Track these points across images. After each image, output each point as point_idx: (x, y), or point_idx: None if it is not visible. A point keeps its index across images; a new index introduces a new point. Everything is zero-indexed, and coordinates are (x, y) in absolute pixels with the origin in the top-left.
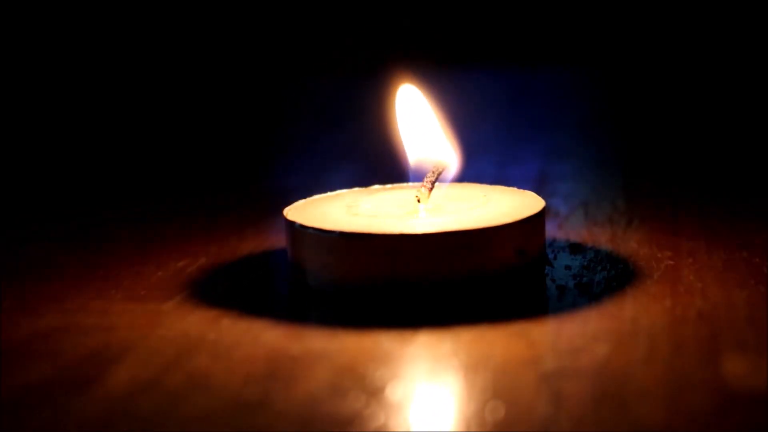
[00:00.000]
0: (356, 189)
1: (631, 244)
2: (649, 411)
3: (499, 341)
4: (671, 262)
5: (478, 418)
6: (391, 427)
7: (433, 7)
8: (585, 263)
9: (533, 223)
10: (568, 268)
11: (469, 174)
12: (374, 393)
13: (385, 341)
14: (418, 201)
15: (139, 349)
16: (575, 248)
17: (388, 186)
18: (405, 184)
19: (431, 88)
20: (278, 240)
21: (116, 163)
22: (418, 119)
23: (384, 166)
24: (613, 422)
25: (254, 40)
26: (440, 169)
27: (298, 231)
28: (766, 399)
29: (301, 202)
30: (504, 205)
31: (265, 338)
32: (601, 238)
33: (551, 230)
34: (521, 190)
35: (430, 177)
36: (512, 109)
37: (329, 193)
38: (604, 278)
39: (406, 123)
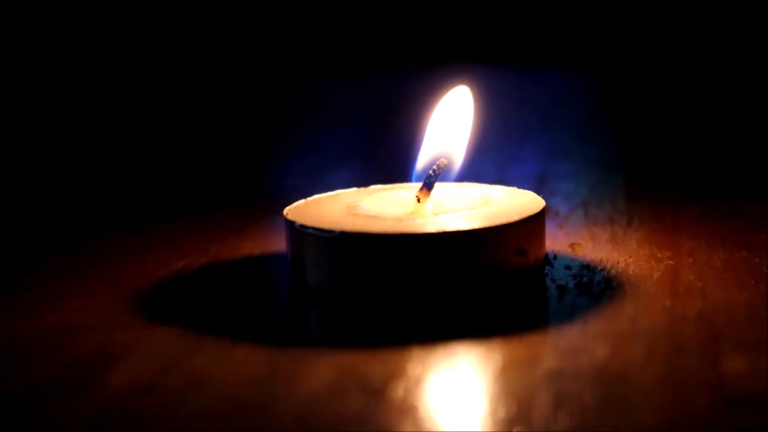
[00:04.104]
0: (356, 189)
1: (631, 244)
2: (649, 411)
3: (499, 341)
4: (671, 262)
5: (478, 418)
6: (391, 427)
7: (432, 8)
8: (585, 263)
9: (533, 223)
10: (568, 268)
11: (469, 174)
12: (374, 393)
13: (385, 341)
14: (418, 201)
15: (139, 349)
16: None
17: (388, 186)
18: (405, 184)
19: (431, 88)
20: (278, 240)
21: (116, 163)
22: (454, 122)
23: (384, 166)
24: (613, 422)
25: (255, 40)
26: (440, 169)
27: (298, 231)
28: (766, 399)
29: (301, 202)
30: (504, 205)
31: (264, 338)
32: (601, 238)
33: (551, 230)
34: (521, 190)
35: (430, 177)
36: (512, 109)
37: (329, 193)
38: (604, 278)
39: (441, 123)
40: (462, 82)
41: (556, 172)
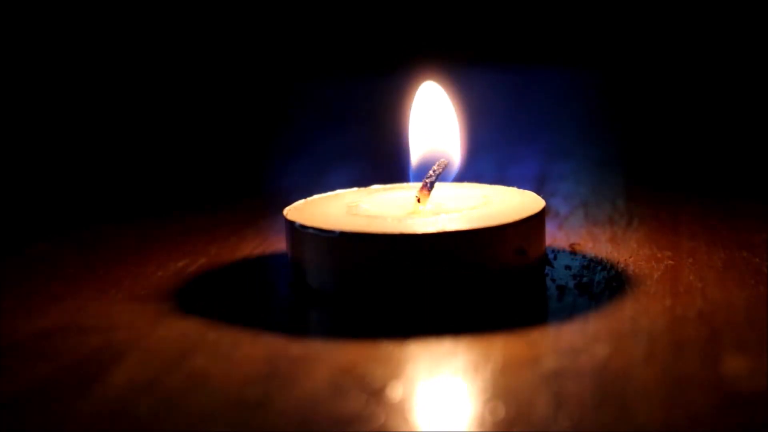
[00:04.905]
0: (356, 189)
1: (631, 244)
2: (649, 411)
3: (499, 341)
4: (671, 262)
5: (478, 418)
6: (391, 427)
7: (432, 8)
8: (585, 263)
9: (533, 223)
10: (568, 268)
11: (469, 174)
12: (374, 393)
13: (384, 341)
14: (418, 201)
15: (139, 349)
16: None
17: (388, 186)
18: (405, 184)
19: (428, 88)
20: (278, 240)
21: (116, 163)
22: (435, 117)
23: (384, 166)
24: (613, 422)
25: (256, 41)
26: (441, 169)
27: (298, 231)
28: (766, 399)
29: (301, 202)
30: (504, 205)
31: (264, 338)
32: (601, 238)
33: (551, 230)
34: (521, 190)
35: (430, 177)
36: (512, 109)
37: (329, 193)
38: (604, 278)
39: (421, 120)
40: (462, 82)
41: (556, 172)
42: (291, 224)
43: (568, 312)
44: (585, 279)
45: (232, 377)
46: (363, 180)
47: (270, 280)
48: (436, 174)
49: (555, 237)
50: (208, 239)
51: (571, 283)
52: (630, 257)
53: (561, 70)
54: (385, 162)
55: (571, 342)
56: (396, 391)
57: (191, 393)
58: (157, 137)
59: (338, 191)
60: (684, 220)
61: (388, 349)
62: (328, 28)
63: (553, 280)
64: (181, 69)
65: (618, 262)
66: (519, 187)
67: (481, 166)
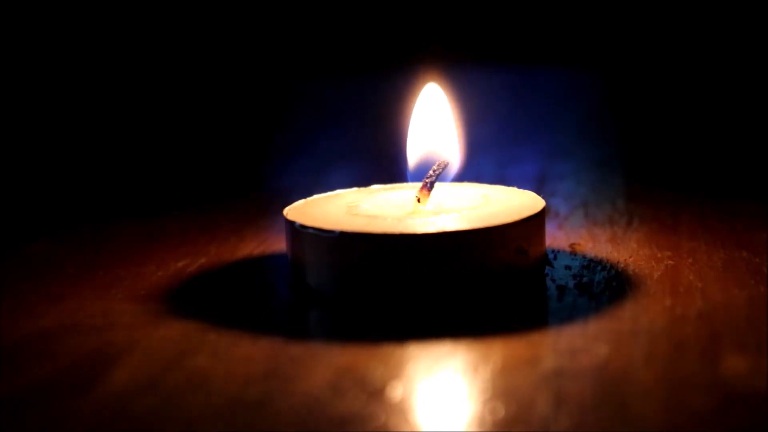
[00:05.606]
0: (356, 189)
1: (631, 244)
2: (649, 411)
3: (498, 341)
4: (671, 262)
5: (478, 418)
6: (391, 427)
7: (433, 8)
8: (585, 263)
9: (533, 223)
10: (568, 268)
11: (469, 174)
12: (374, 393)
13: (384, 341)
14: (418, 201)
15: (139, 349)
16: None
17: (388, 186)
18: (405, 184)
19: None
20: (278, 240)
21: (116, 163)
22: (434, 118)
23: (384, 166)
24: (613, 422)
25: (255, 40)
26: (441, 169)
27: (298, 231)
28: (766, 399)
29: (301, 202)
30: (504, 205)
31: (265, 338)
32: (601, 238)
33: (551, 230)
34: (521, 190)
35: (430, 177)
36: (512, 109)
37: (329, 193)
38: (604, 278)
39: (420, 120)
40: (462, 82)
41: (556, 172)
42: (291, 224)
43: (568, 312)
44: (585, 279)
45: (232, 377)
46: (363, 180)
47: (270, 280)
48: (436, 174)
49: (555, 237)
50: (208, 239)
51: (571, 283)
52: (630, 257)
53: (561, 70)
54: (385, 162)
55: (571, 342)
56: (396, 391)
57: (191, 393)
58: (157, 137)
59: (338, 191)
60: (684, 220)
61: (388, 349)
62: (328, 28)
63: (553, 280)
64: (181, 69)
65: (618, 262)
66: (519, 187)
67: (481, 166)
